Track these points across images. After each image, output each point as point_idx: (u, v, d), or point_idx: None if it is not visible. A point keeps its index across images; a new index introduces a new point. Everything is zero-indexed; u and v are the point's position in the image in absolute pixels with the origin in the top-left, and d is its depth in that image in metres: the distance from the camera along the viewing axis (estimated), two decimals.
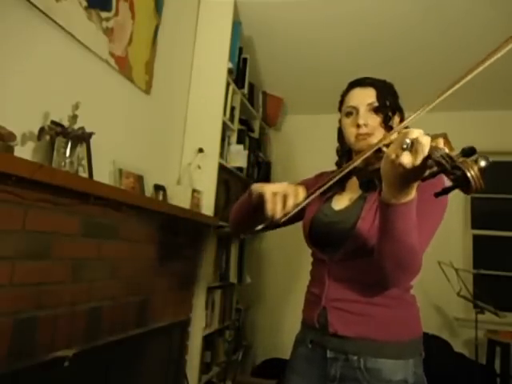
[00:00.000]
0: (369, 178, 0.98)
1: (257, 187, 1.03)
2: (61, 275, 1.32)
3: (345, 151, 1.20)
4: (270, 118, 3.73)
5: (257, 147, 3.46)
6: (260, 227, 1.00)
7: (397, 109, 1.13)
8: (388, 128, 1.07)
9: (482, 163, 0.63)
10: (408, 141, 0.72)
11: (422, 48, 2.89)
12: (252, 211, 1.09)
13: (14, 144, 1.18)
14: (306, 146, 3.78)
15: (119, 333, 1.60)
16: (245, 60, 3.03)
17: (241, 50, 2.91)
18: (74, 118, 1.45)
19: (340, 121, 1.18)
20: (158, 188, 2.16)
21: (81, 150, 1.51)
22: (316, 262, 1.16)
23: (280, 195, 0.93)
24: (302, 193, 0.93)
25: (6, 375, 1.11)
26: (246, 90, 3.09)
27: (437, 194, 0.68)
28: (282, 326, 3.49)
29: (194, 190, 2.28)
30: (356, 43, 2.92)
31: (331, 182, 0.95)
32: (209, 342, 2.52)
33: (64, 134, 1.41)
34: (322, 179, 1.11)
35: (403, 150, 0.73)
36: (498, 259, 3.48)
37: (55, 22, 1.48)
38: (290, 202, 0.92)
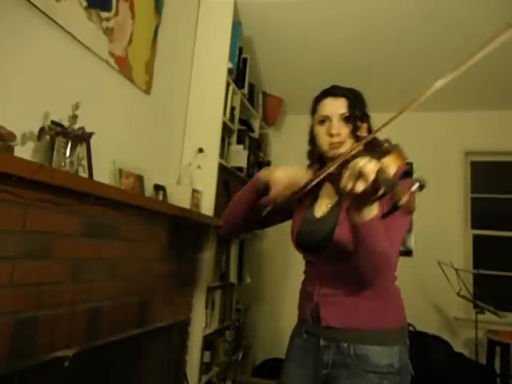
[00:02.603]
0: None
1: (265, 174, 1.19)
2: (61, 275, 1.32)
3: (317, 155, 1.27)
4: (270, 117, 3.73)
5: (257, 147, 3.46)
6: (266, 211, 1.14)
7: (365, 116, 1.21)
8: (356, 136, 1.17)
9: (413, 188, 0.76)
10: (356, 171, 0.83)
11: (421, 48, 2.89)
12: (255, 197, 1.22)
13: (14, 144, 1.18)
14: (306, 146, 3.78)
15: (119, 333, 1.60)
16: (245, 60, 3.03)
17: (241, 50, 2.91)
18: (73, 118, 1.45)
19: (312, 126, 1.26)
20: (158, 188, 2.16)
21: (81, 149, 1.51)
22: (307, 262, 1.27)
23: (284, 183, 1.10)
24: (301, 179, 1.08)
25: (6, 375, 1.11)
26: (246, 90, 3.09)
27: (383, 216, 0.85)
28: (281, 326, 3.49)
29: (193, 190, 2.28)
30: (356, 43, 2.92)
31: (315, 182, 1.05)
32: (209, 342, 2.52)
33: (64, 134, 1.41)
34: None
35: (355, 178, 0.83)
36: (498, 259, 3.48)
37: (55, 22, 1.48)
38: (296, 185, 1.07)
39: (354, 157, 0.94)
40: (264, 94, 3.63)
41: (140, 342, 1.75)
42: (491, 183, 3.67)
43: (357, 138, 1.16)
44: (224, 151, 2.75)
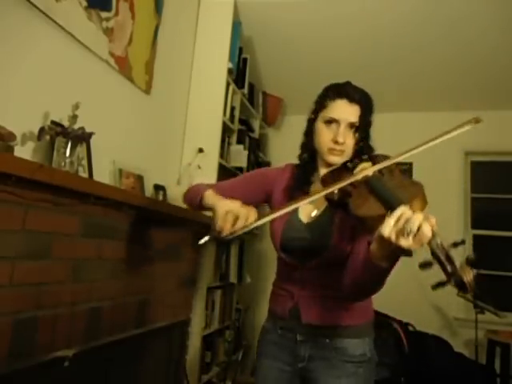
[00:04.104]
0: (338, 201, 1.05)
1: (210, 198, 1.11)
2: (61, 275, 1.32)
3: (310, 153, 1.23)
4: (270, 118, 3.73)
5: (257, 147, 3.46)
6: (203, 241, 1.04)
7: (369, 128, 1.18)
8: (359, 148, 1.15)
9: (474, 272, 0.73)
10: (410, 229, 0.77)
11: (421, 48, 2.89)
12: (201, 210, 1.20)
13: (14, 144, 1.18)
14: None
15: (119, 333, 1.59)
16: (245, 60, 3.03)
17: (241, 50, 2.91)
18: (73, 118, 1.45)
19: (313, 120, 1.20)
20: (158, 188, 2.16)
21: (81, 149, 1.51)
22: (286, 264, 1.22)
23: (232, 215, 0.98)
24: (252, 216, 0.98)
25: (6, 375, 1.11)
26: (246, 90, 3.09)
27: (433, 287, 0.79)
28: None
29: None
30: (356, 43, 2.92)
31: (293, 207, 1.00)
32: (209, 342, 2.52)
33: (64, 134, 1.42)
34: (288, 172, 1.25)
35: (403, 234, 0.78)
36: (498, 259, 3.48)
37: (55, 22, 1.48)
38: (240, 224, 0.97)
39: (353, 185, 0.96)
40: (264, 94, 3.63)
41: (140, 342, 1.75)
42: (491, 183, 3.67)
43: (359, 150, 1.14)
44: (224, 151, 2.75)
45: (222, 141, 2.65)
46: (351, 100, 1.12)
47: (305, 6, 2.63)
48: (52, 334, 1.27)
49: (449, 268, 0.75)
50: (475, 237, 3.57)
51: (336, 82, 1.20)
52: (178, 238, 2.09)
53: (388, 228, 0.80)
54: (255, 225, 0.99)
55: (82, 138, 1.49)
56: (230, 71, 2.66)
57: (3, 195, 1.08)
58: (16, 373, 1.14)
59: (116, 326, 1.59)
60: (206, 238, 1.04)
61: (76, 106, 1.46)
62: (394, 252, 0.85)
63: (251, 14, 2.78)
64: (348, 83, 1.18)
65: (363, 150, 1.16)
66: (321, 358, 1.14)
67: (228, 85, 2.65)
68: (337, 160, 1.15)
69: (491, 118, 3.54)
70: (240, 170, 2.93)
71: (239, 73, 2.93)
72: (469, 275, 0.73)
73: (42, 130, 1.37)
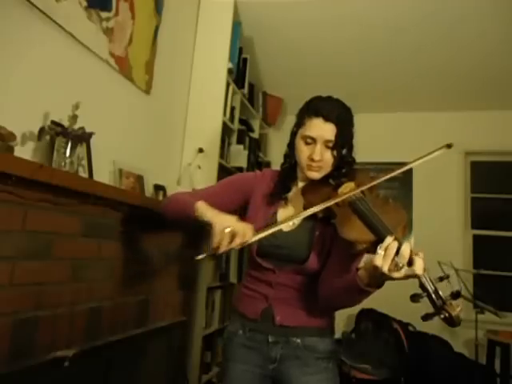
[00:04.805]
0: (321, 219, 1.13)
1: (204, 212, 1.11)
2: (61, 275, 1.32)
3: (292, 163, 1.27)
4: (270, 117, 3.73)
5: (257, 147, 3.46)
6: (201, 257, 1.07)
7: (349, 143, 1.20)
8: (337, 165, 1.18)
9: (461, 306, 0.80)
10: (402, 263, 0.86)
11: (421, 49, 2.89)
12: (191, 221, 1.16)
13: (14, 144, 1.18)
14: None
15: (119, 333, 1.59)
16: (245, 60, 3.03)
17: (241, 50, 2.91)
18: (73, 118, 1.45)
19: (295, 134, 1.24)
20: (158, 188, 2.16)
21: (81, 150, 1.51)
22: (261, 267, 1.23)
23: (230, 233, 1.00)
24: (249, 233, 1.02)
25: (6, 375, 1.11)
26: (246, 90, 3.09)
27: (423, 319, 0.85)
28: None
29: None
30: (356, 43, 2.92)
31: (283, 224, 1.09)
32: (209, 342, 2.52)
33: (64, 134, 1.41)
34: (266, 179, 1.29)
35: (397, 267, 0.86)
36: (498, 259, 3.48)
37: (55, 22, 1.48)
38: (237, 241, 1.00)
39: (358, 204, 1.02)
40: (264, 93, 3.63)
41: (140, 342, 1.75)
42: (491, 183, 3.67)
43: (337, 166, 1.18)
44: (224, 151, 2.75)
45: (222, 141, 2.65)
46: (326, 119, 1.14)
47: (305, 6, 2.63)
48: (52, 334, 1.27)
49: (437, 302, 0.82)
50: (475, 237, 3.57)
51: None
52: (178, 238, 2.09)
53: (379, 260, 0.88)
54: (252, 241, 1.03)
55: (82, 137, 1.49)
56: (230, 71, 2.66)
57: (3, 195, 1.08)
58: (16, 373, 1.14)
59: (116, 326, 1.59)
60: (204, 256, 1.07)
61: (76, 106, 1.46)
62: (383, 281, 0.93)
63: (251, 14, 2.78)
64: (327, 99, 1.20)
65: (342, 164, 1.19)
66: (293, 357, 1.18)
67: (228, 85, 2.65)
68: (315, 175, 1.19)
69: (491, 117, 3.56)
70: (240, 169, 2.93)
71: (239, 73, 2.93)
72: (456, 310, 0.78)
73: (42, 130, 1.37)
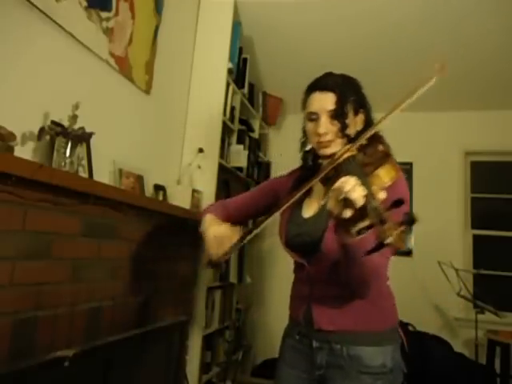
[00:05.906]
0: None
1: (204, 225, 1.22)
2: (61, 275, 1.32)
3: (309, 152, 1.23)
4: (270, 117, 3.73)
5: (257, 147, 3.46)
6: (209, 267, 1.12)
7: (359, 107, 1.13)
8: (346, 134, 1.09)
9: (403, 227, 0.69)
10: (341, 196, 0.78)
11: (422, 49, 2.89)
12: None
13: (14, 144, 1.18)
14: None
15: (119, 333, 1.59)
16: (245, 60, 3.03)
17: (241, 49, 2.91)
18: (73, 118, 1.45)
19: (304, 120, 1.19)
20: (158, 188, 2.16)
21: (81, 149, 1.51)
22: (297, 264, 1.22)
23: (217, 239, 1.08)
24: (236, 234, 1.06)
25: (6, 375, 1.11)
26: (246, 90, 3.09)
27: (367, 253, 0.74)
28: (281, 326, 3.47)
29: (193, 190, 2.28)
30: (356, 43, 2.92)
31: (285, 206, 1.01)
32: (209, 341, 2.52)
33: (64, 134, 1.41)
34: (296, 173, 1.26)
35: (342, 204, 0.78)
36: (498, 259, 3.48)
37: (55, 21, 1.48)
38: (227, 244, 1.06)
39: (344, 164, 0.92)
40: (264, 93, 3.63)
41: (140, 342, 1.75)
42: (491, 183, 3.67)
43: (347, 135, 1.09)
44: (224, 151, 2.75)
45: (222, 141, 2.65)
46: (322, 89, 1.11)
47: (305, 6, 2.63)
48: (52, 334, 1.27)
49: (375, 218, 0.72)
50: (475, 237, 3.57)
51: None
52: (178, 238, 2.09)
53: (329, 202, 0.81)
54: (247, 238, 1.05)
55: (82, 137, 1.49)
56: (230, 71, 2.66)
57: (3, 195, 1.08)
58: (16, 373, 1.14)
59: (116, 326, 1.59)
60: (207, 269, 1.12)
61: (76, 106, 1.46)
62: (347, 226, 0.81)
63: (251, 14, 2.78)
64: (325, 74, 1.18)
65: (361, 129, 1.11)
66: (337, 366, 1.08)
67: (228, 85, 2.65)
68: (327, 151, 1.10)
69: (491, 117, 3.56)
70: (240, 169, 2.94)
71: (239, 73, 2.93)
72: (393, 232, 0.68)
73: (42, 130, 1.37)
